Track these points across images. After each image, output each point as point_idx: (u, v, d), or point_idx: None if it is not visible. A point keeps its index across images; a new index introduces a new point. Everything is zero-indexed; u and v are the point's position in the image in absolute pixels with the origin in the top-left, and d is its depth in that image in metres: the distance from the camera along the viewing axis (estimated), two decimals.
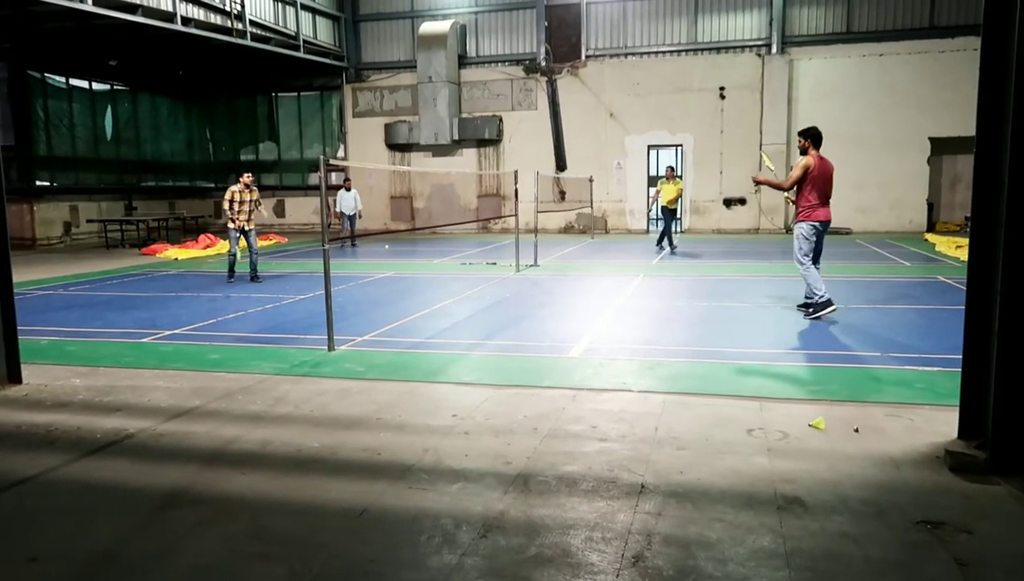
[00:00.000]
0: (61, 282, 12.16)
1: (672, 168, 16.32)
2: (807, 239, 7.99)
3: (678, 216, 22.24)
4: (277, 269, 13.91)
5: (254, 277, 11.66)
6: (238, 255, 11.81)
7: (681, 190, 16.55)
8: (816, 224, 7.94)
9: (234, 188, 11.63)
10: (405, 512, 3.46)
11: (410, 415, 4.91)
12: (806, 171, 7.87)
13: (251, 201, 11.70)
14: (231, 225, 11.66)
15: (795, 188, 8.11)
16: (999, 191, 3.74)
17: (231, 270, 11.81)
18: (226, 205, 11.63)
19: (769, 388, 5.41)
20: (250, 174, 11.97)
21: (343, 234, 17.73)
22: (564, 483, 3.76)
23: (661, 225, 16.59)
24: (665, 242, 16.22)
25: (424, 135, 22.13)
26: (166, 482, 3.85)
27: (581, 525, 3.30)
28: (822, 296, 7.93)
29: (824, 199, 7.95)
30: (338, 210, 17.90)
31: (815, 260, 8.11)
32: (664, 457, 4.09)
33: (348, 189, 17.90)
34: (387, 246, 17.60)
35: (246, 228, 11.68)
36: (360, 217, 18.53)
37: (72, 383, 5.84)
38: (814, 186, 7.88)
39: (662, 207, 16.25)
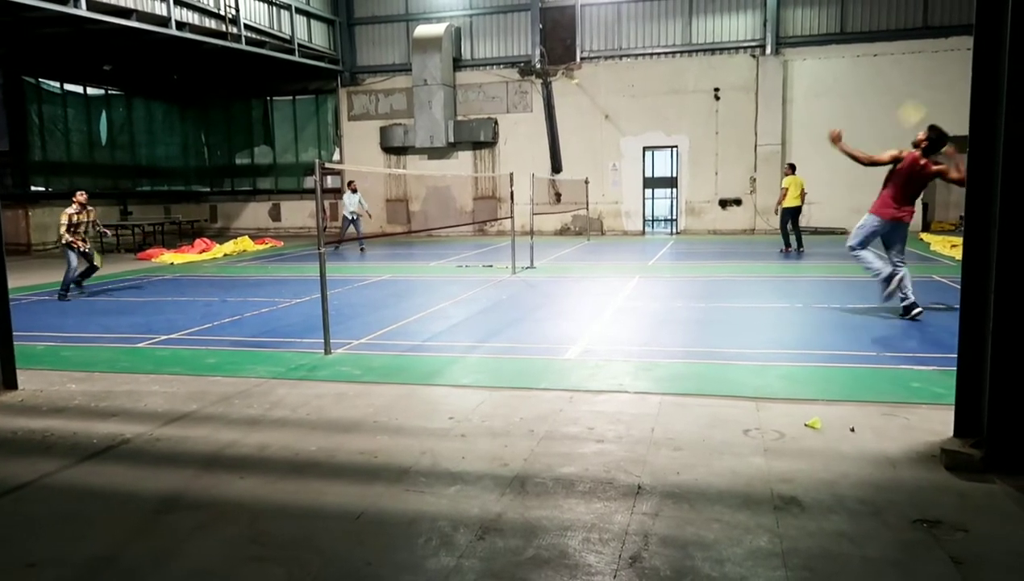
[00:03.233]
0: (56, 287, 12.12)
1: (792, 165, 15.48)
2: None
3: (673, 217, 22.34)
4: (273, 273, 13.91)
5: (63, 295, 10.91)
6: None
7: (801, 185, 15.00)
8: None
9: (70, 210, 10.88)
10: (403, 515, 3.47)
11: (407, 418, 4.91)
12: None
13: (89, 222, 11.11)
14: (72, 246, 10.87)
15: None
16: (992, 190, 3.76)
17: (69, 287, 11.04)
18: (63, 229, 10.82)
19: (765, 388, 5.41)
20: (84, 193, 11.28)
21: (347, 237, 17.68)
22: (561, 485, 3.77)
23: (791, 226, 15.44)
24: (793, 241, 15.32)
25: (419, 138, 22.14)
26: (163, 487, 3.85)
27: (578, 526, 3.30)
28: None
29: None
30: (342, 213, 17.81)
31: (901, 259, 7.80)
32: (661, 458, 4.09)
33: (354, 191, 17.80)
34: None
35: (84, 249, 10.94)
36: (371, 216, 18.67)
37: (68, 388, 5.83)
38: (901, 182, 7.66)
39: (784, 209, 15.19)
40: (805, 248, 15.56)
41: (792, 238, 15.50)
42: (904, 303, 7.76)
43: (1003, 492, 3.59)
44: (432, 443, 4.41)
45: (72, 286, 11.04)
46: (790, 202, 15.09)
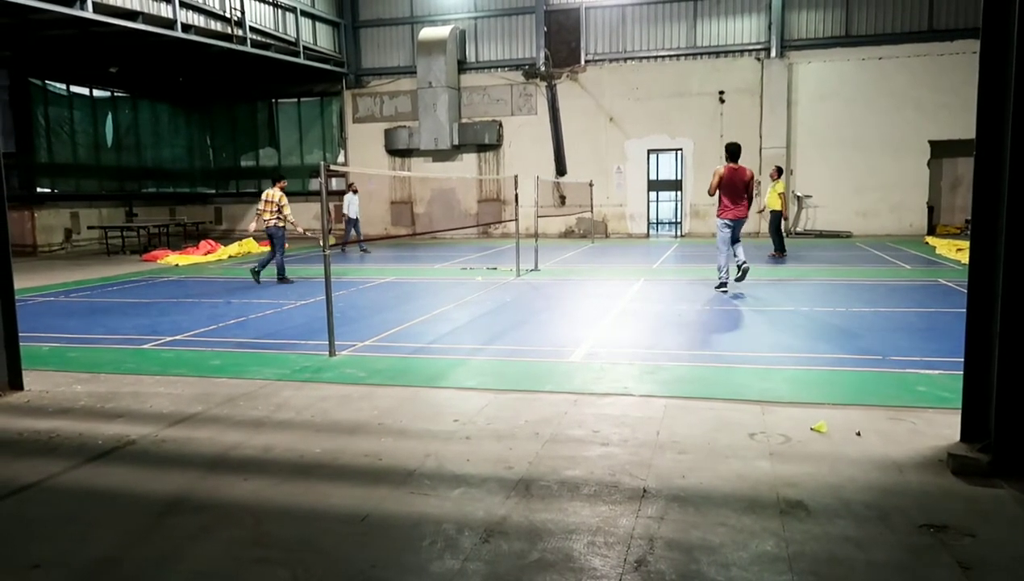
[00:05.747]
0: (62, 289, 12.17)
1: (780, 168, 15.19)
2: (721, 231, 9.94)
3: (677, 220, 22.31)
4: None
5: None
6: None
7: (780, 194, 14.75)
8: (727, 221, 9.78)
9: (280, 197, 12.08)
10: (407, 517, 3.46)
11: (411, 420, 4.91)
12: (720, 179, 9.70)
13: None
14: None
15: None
16: (999, 194, 3.74)
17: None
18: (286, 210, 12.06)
19: (771, 392, 5.40)
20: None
21: (351, 239, 17.68)
22: (566, 488, 3.76)
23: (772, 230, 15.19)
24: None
25: (424, 140, 22.16)
26: (168, 488, 3.85)
27: (583, 530, 3.30)
28: (723, 277, 9.92)
29: (733, 201, 9.77)
30: (345, 214, 17.77)
31: (734, 242, 10.08)
32: (666, 461, 4.08)
33: (355, 191, 17.84)
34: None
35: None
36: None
37: (73, 389, 5.84)
38: (723, 191, 9.75)
39: (772, 212, 14.98)
40: (788, 252, 15.28)
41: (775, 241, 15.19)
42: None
43: (1011, 497, 3.57)
44: (437, 445, 4.40)
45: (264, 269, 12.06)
46: (778, 206, 14.89)
